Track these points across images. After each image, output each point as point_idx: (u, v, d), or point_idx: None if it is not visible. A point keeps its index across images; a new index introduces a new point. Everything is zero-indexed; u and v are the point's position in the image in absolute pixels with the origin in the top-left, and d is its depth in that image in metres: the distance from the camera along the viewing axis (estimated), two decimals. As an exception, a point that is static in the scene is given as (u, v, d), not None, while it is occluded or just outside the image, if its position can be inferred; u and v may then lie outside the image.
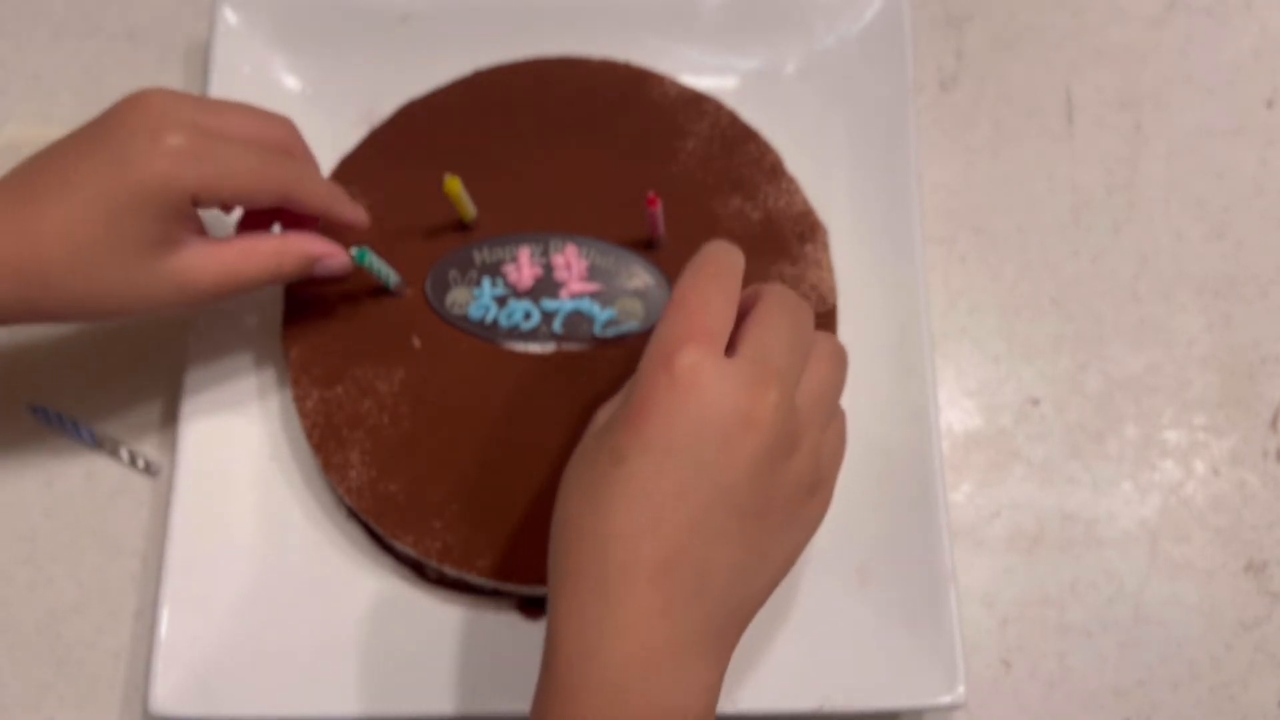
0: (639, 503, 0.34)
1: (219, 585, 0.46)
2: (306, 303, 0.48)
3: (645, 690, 0.34)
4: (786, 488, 0.37)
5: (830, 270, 0.49)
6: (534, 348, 0.48)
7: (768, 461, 0.35)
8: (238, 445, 0.49)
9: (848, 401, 0.49)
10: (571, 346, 0.48)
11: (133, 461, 0.50)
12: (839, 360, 0.40)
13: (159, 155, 0.39)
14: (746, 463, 0.35)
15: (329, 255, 0.45)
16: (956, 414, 0.52)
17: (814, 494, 0.38)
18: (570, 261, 0.48)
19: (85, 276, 0.40)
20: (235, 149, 0.41)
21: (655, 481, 0.34)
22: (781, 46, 0.55)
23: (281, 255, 0.44)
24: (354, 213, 0.46)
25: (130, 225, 0.40)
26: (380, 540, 0.48)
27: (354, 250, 0.45)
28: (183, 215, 0.41)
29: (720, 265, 0.38)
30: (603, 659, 0.34)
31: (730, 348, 0.36)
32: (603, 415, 0.39)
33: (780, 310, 0.38)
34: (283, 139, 0.44)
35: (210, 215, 0.47)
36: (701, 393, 0.34)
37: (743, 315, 0.38)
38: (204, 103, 0.42)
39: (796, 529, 0.38)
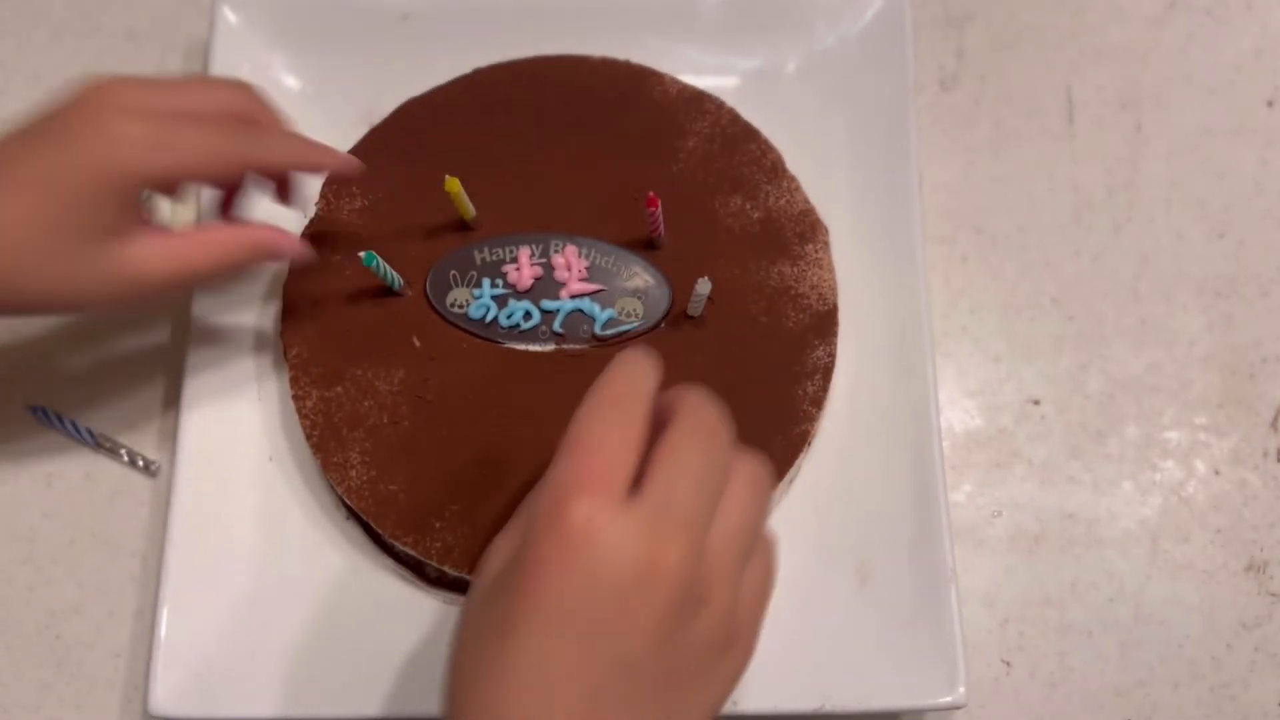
0: (530, 684, 0.32)
1: (219, 585, 0.46)
2: (306, 302, 0.48)
3: None
4: (696, 648, 0.33)
5: (831, 270, 0.49)
6: (534, 347, 0.48)
7: (672, 623, 0.32)
8: (238, 445, 0.49)
9: (849, 402, 0.49)
10: (571, 346, 0.48)
11: (133, 461, 0.50)
12: (759, 487, 0.36)
13: (108, 144, 0.38)
14: (648, 627, 0.32)
15: (279, 242, 0.44)
16: (957, 414, 0.52)
17: (730, 648, 0.35)
18: (570, 261, 0.48)
19: (35, 268, 0.39)
20: (187, 131, 0.40)
21: (547, 658, 0.32)
22: (782, 46, 0.55)
23: (231, 245, 0.43)
24: (333, 159, 0.45)
25: (80, 217, 0.39)
26: (380, 540, 0.48)
27: (361, 254, 0.45)
28: (131, 205, 0.40)
29: (620, 390, 0.34)
30: None
31: (640, 476, 0.33)
32: (496, 554, 0.36)
33: (691, 438, 0.34)
34: (242, 106, 0.43)
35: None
36: (596, 550, 0.31)
37: (660, 426, 0.35)
38: (154, 84, 0.41)
39: (710, 689, 0.35)
